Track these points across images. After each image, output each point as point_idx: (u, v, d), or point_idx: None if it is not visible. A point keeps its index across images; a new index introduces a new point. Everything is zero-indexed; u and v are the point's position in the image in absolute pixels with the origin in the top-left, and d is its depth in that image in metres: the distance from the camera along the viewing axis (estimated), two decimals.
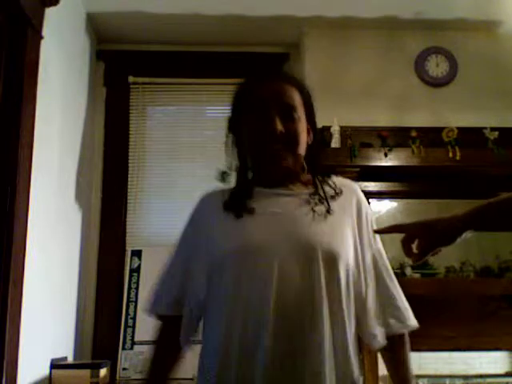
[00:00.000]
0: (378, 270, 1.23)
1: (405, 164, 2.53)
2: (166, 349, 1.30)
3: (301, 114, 1.23)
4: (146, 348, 2.41)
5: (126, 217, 2.77)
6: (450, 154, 2.51)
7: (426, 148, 2.53)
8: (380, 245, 1.27)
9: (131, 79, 2.86)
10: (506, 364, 2.66)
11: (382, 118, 2.66)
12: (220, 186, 1.32)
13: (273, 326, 1.08)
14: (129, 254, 2.65)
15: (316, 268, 1.12)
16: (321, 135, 1.23)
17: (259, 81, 1.28)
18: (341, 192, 1.24)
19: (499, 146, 2.53)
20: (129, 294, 2.54)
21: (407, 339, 1.24)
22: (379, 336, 1.20)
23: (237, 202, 1.22)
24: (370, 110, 2.67)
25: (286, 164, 1.21)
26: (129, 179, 2.81)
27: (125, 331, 2.46)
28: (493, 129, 2.57)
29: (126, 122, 2.85)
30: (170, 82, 2.91)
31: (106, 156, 2.80)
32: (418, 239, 1.14)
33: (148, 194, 2.81)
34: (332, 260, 1.14)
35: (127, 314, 2.49)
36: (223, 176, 1.31)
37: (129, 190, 2.80)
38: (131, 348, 2.43)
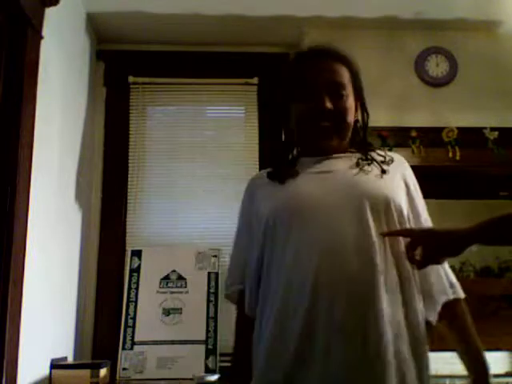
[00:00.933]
0: None
1: None
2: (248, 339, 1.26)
3: (349, 91, 1.26)
4: (146, 348, 2.41)
5: (126, 217, 2.77)
6: (450, 154, 2.51)
7: (426, 148, 2.53)
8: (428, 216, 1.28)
9: (131, 79, 2.85)
10: (506, 364, 2.66)
11: (382, 118, 2.65)
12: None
13: (328, 284, 1.07)
14: (129, 254, 2.65)
15: (370, 218, 1.11)
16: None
17: (309, 58, 1.31)
18: (392, 160, 1.26)
19: (499, 146, 2.53)
20: (129, 293, 2.53)
21: (463, 307, 1.24)
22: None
23: (281, 169, 1.25)
24: (370, 109, 2.63)
25: (333, 142, 1.24)
26: (129, 179, 2.80)
27: (125, 331, 2.45)
28: (493, 129, 2.57)
29: (126, 122, 2.85)
30: (170, 82, 2.91)
31: (106, 156, 2.80)
32: (422, 246, 1.14)
33: (148, 193, 2.81)
34: (388, 210, 1.14)
35: (127, 313, 2.49)
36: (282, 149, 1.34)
37: (129, 190, 2.79)
38: (131, 348, 2.42)
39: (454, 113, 2.67)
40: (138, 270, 2.59)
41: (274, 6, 2.60)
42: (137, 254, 2.63)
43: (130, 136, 2.84)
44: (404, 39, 2.77)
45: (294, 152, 1.33)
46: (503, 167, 2.53)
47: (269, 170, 1.32)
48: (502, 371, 2.63)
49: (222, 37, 2.84)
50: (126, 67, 2.88)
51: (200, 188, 2.80)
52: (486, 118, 2.64)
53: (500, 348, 2.56)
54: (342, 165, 1.22)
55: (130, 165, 2.81)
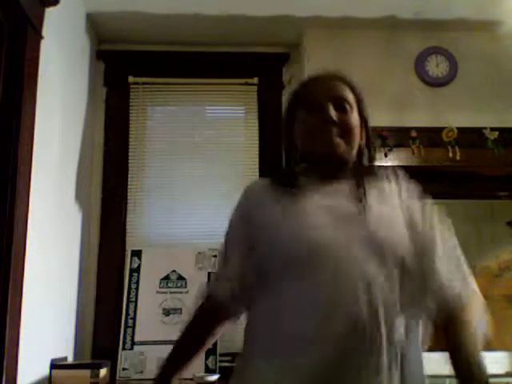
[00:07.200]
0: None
1: (405, 164, 2.53)
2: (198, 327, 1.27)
3: (354, 107, 1.26)
4: (146, 348, 2.41)
5: (126, 217, 2.77)
6: (450, 154, 2.51)
7: (425, 148, 2.53)
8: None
9: (131, 79, 2.86)
10: (506, 364, 2.66)
11: (382, 118, 2.65)
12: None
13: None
14: (129, 254, 2.65)
15: (400, 277, 1.09)
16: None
17: (311, 78, 1.32)
18: (395, 179, 1.29)
19: (499, 145, 2.53)
20: (129, 294, 2.53)
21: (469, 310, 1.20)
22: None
23: (289, 179, 1.20)
24: (370, 109, 2.65)
25: (339, 150, 1.20)
26: (129, 179, 2.80)
27: (125, 331, 2.45)
28: (493, 129, 2.57)
29: (126, 122, 2.85)
30: (170, 82, 2.91)
31: (105, 156, 2.80)
32: None
33: (148, 193, 2.81)
34: (410, 267, 1.12)
35: (127, 314, 2.49)
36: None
37: (129, 190, 2.79)
38: (131, 348, 2.42)
39: (453, 113, 2.67)
40: (138, 269, 2.59)
41: (274, 6, 2.60)
42: (137, 254, 2.63)
43: (130, 136, 2.84)
44: (404, 39, 2.77)
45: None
46: (503, 167, 2.53)
47: (267, 179, 1.26)
48: (501, 371, 2.63)
49: (222, 37, 2.84)
50: (126, 67, 2.88)
51: (200, 188, 2.80)
52: (486, 118, 2.64)
53: (500, 348, 2.56)
54: (350, 198, 1.17)
55: (130, 165, 2.81)
